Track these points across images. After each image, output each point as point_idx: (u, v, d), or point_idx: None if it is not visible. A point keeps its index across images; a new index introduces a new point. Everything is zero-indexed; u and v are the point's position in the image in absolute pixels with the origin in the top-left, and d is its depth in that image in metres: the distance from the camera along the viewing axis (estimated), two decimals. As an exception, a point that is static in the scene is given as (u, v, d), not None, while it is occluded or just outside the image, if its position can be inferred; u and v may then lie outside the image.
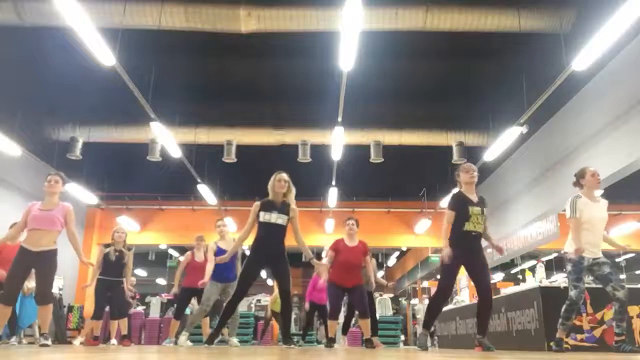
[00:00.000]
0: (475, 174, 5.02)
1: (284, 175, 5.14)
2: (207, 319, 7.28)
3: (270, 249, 5.02)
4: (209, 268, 6.58)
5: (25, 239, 5.09)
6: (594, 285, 4.77)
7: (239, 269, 6.09)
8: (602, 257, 4.73)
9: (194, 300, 8.04)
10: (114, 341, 8.01)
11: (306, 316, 9.17)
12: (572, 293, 4.62)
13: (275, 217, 4.99)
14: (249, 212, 5.13)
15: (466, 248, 4.83)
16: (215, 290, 6.56)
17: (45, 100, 11.18)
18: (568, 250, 4.77)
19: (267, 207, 5.06)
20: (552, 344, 4.83)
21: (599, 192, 9.87)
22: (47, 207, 5.11)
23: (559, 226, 10.13)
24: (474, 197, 4.98)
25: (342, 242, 6.43)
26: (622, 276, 18.05)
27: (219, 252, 6.50)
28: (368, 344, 6.64)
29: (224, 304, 5.49)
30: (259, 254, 5.03)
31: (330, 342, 6.46)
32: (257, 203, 5.11)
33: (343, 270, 6.31)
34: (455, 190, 5.16)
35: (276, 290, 7.63)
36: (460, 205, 4.91)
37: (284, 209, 5.07)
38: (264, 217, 5.00)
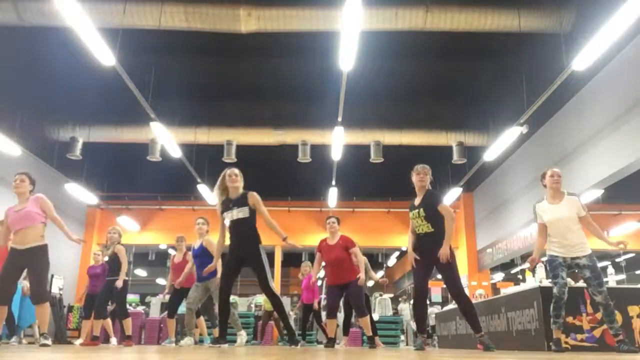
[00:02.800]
0: (427, 177, 5.02)
1: (234, 170, 5.13)
2: (202, 320, 7.31)
3: (242, 244, 5.00)
4: (187, 268, 6.80)
5: (13, 240, 5.10)
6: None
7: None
8: (584, 259, 4.64)
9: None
10: (113, 341, 8.01)
11: (302, 317, 9.19)
12: (554, 290, 4.68)
13: (236, 213, 4.97)
14: None
15: (420, 251, 4.96)
16: (194, 290, 6.54)
17: (45, 100, 11.17)
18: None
19: (226, 206, 5.06)
20: (551, 344, 4.83)
21: (599, 192, 9.98)
22: (20, 207, 5.13)
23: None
24: (417, 200, 5.04)
25: (325, 241, 6.42)
26: (622, 276, 18.01)
27: (193, 251, 6.58)
28: (371, 342, 6.61)
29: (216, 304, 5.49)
30: (233, 252, 5.04)
31: (330, 342, 6.40)
32: (218, 205, 5.13)
33: (330, 268, 6.39)
34: None
35: None
36: (410, 211, 5.10)
37: (241, 200, 5.03)
38: (227, 216, 5.01)
